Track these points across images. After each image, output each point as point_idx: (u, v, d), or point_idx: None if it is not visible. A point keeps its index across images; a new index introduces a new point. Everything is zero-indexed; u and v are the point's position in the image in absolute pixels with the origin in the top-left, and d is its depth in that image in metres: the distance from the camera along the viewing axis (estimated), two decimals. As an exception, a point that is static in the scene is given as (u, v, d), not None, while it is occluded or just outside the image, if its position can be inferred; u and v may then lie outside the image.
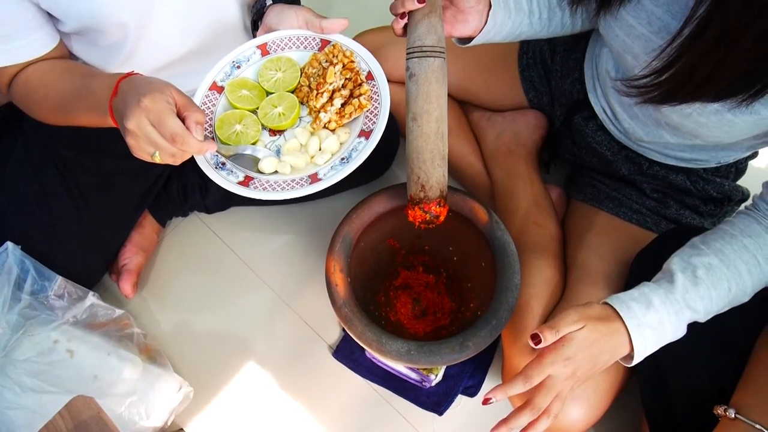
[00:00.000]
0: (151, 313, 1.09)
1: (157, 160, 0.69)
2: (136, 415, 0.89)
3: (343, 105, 0.81)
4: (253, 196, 0.76)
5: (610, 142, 0.92)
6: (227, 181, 0.77)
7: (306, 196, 1.15)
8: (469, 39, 0.80)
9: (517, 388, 0.66)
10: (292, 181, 0.78)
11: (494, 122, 1.11)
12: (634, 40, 0.73)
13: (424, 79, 0.71)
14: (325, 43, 0.86)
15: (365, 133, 0.79)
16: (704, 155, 0.84)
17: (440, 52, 0.71)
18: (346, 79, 0.82)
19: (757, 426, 0.64)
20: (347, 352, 1.02)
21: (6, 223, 0.93)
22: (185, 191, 1.12)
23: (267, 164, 0.79)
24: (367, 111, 0.81)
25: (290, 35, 0.87)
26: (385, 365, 0.99)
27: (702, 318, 0.67)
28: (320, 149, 0.80)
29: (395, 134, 1.12)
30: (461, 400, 0.99)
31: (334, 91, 0.81)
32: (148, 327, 1.07)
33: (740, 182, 0.92)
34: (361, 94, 0.81)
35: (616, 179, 0.96)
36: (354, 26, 1.19)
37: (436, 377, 0.94)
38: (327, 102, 0.81)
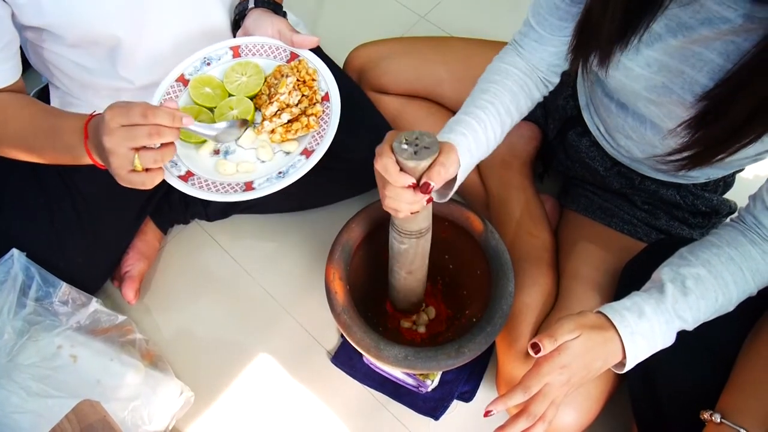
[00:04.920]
0: (152, 319, 1.11)
1: (138, 166, 0.69)
2: (139, 419, 0.90)
3: (291, 121, 0.84)
4: (188, 192, 0.79)
5: (604, 158, 0.94)
6: (168, 173, 0.80)
7: (303, 204, 1.18)
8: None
9: (516, 398, 0.67)
10: (228, 185, 0.81)
11: (489, 134, 1.12)
12: (633, 80, 0.73)
13: (419, 248, 0.78)
14: (294, 56, 0.90)
15: (307, 152, 0.82)
16: (695, 172, 0.86)
17: (430, 225, 0.76)
18: (303, 95, 0.85)
19: (741, 430, 0.66)
20: (345, 358, 1.04)
21: (11, 231, 0.95)
22: (186, 199, 1.14)
23: (244, 140, 0.86)
24: (314, 132, 0.84)
25: (263, 42, 0.91)
26: (383, 371, 1.00)
27: (690, 327, 0.69)
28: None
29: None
30: (457, 406, 1.01)
31: (287, 105, 0.84)
32: (150, 333, 1.08)
33: (728, 194, 0.94)
34: (312, 114, 0.84)
35: (608, 191, 0.98)
36: (353, 39, 1.22)
37: (432, 383, 0.96)
38: (275, 113, 0.84)
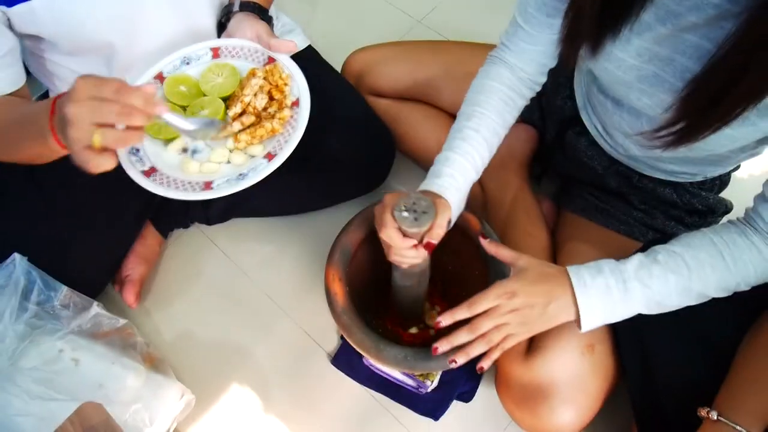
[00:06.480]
0: (153, 323, 1.11)
1: (96, 142, 0.62)
2: (140, 422, 0.90)
3: (255, 125, 0.84)
4: (147, 188, 0.79)
5: (602, 158, 0.95)
6: (132, 167, 0.80)
7: (303, 207, 1.19)
8: None
9: (461, 314, 0.72)
10: (188, 183, 0.80)
11: (486, 136, 1.13)
12: (625, 71, 0.73)
13: (421, 284, 0.86)
14: (271, 60, 0.90)
15: (270, 156, 0.82)
16: (693, 169, 0.87)
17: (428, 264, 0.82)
18: (273, 99, 0.85)
19: (738, 428, 0.66)
20: (345, 360, 1.05)
21: (12, 236, 0.95)
22: (186, 203, 1.14)
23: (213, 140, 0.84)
24: (279, 135, 0.83)
25: (242, 45, 0.91)
26: (383, 372, 1.01)
27: (660, 300, 0.71)
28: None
29: (391, 148, 1.14)
30: (456, 406, 1.01)
31: (250, 107, 0.84)
32: (151, 336, 1.09)
33: (723, 193, 0.95)
34: (279, 119, 0.83)
35: (605, 191, 0.99)
36: (350, 44, 1.23)
37: (431, 383, 0.97)
38: (239, 113, 0.84)
